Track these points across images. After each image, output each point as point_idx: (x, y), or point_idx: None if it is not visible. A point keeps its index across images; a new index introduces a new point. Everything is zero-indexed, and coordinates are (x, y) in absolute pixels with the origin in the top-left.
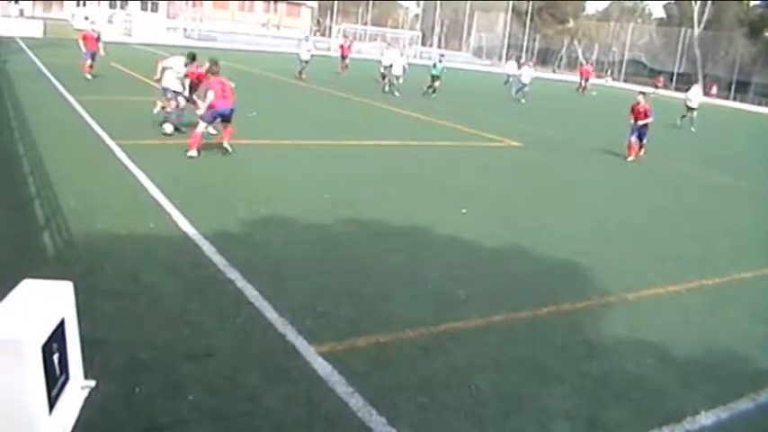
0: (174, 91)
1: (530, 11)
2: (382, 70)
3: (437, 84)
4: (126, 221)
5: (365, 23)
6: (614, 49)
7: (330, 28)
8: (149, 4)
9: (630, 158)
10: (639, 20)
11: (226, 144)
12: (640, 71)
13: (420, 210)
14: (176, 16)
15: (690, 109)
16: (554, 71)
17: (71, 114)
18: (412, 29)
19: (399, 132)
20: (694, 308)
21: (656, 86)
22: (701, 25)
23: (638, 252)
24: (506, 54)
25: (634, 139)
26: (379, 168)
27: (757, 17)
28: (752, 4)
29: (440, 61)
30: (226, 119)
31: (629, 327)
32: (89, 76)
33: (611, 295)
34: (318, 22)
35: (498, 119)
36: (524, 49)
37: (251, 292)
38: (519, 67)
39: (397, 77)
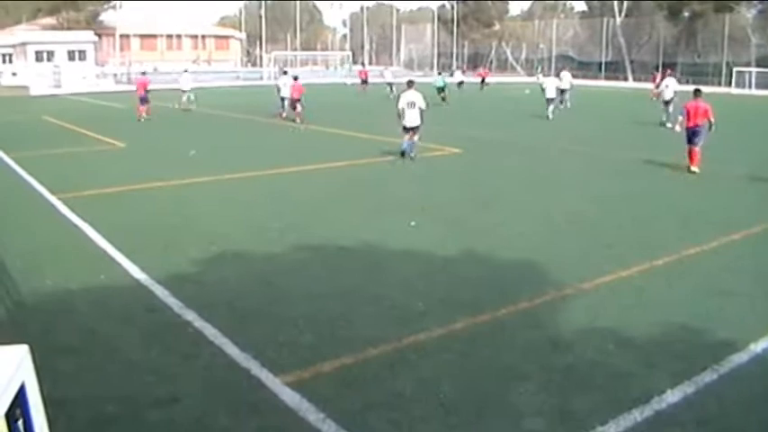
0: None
1: (455, 18)
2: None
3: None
4: (76, 275)
5: (295, 49)
6: (542, 46)
7: (261, 57)
8: (76, 53)
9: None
10: (563, 15)
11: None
12: (569, 65)
13: (370, 227)
14: (105, 63)
15: None
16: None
17: (7, 172)
18: (342, 49)
19: (341, 153)
20: (648, 289)
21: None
22: (623, 13)
23: (587, 242)
24: (438, 63)
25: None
26: (324, 191)
27: None
28: None
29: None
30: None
31: (588, 316)
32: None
33: (566, 287)
34: (248, 52)
35: (436, 127)
36: (454, 55)
37: (210, 331)
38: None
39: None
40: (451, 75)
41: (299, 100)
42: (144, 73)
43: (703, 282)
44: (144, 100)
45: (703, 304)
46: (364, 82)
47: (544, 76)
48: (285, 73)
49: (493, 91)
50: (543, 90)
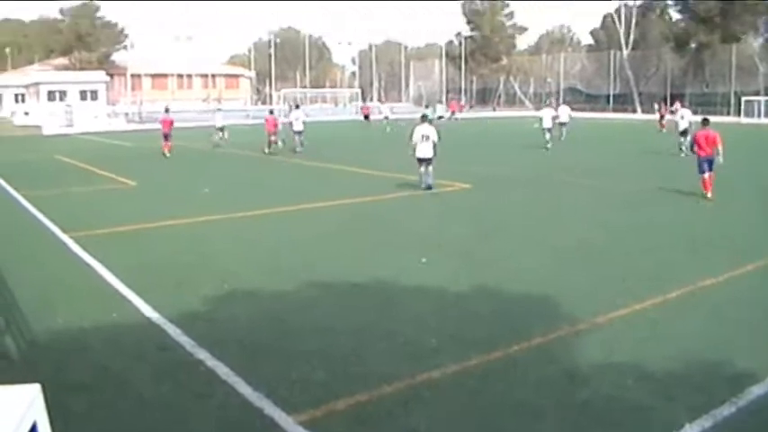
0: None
1: (463, 54)
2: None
3: None
4: (88, 313)
5: (304, 87)
6: (550, 80)
7: (270, 95)
8: (88, 93)
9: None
10: (570, 49)
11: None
12: (577, 98)
13: (381, 263)
14: (116, 102)
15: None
16: (494, 109)
17: (20, 211)
18: (350, 86)
19: (351, 189)
20: (663, 322)
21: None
22: (629, 46)
23: (600, 275)
24: (446, 98)
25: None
26: (335, 228)
27: (681, 30)
28: (674, 18)
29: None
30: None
31: (603, 351)
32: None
33: (579, 322)
34: (258, 90)
35: (445, 162)
36: (462, 91)
37: (222, 370)
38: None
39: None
40: (433, 109)
41: (275, 133)
42: (167, 111)
43: (718, 313)
44: (167, 137)
45: (719, 336)
46: (366, 117)
47: (545, 107)
48: (297, 107)
49: (499, 126)
50: (540, 121)
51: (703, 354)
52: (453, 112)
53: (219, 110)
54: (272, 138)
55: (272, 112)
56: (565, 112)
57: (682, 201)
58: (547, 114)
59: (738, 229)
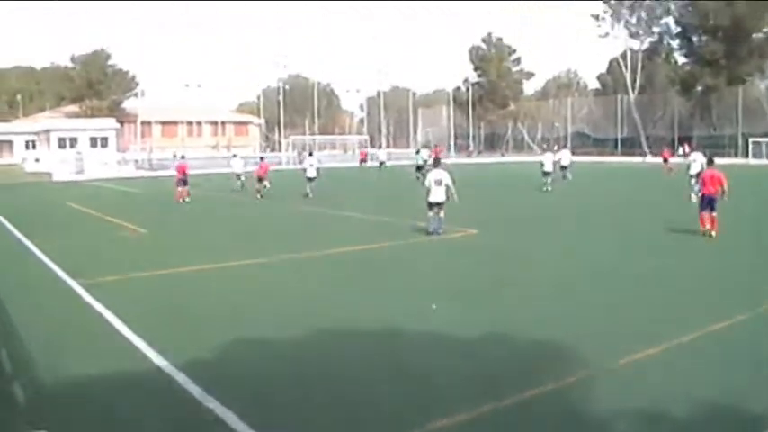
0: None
1: (471, 100)
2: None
3: None
4: (95, 360)
5: (313, 133)
6: (557, 124)
7: (279, 142)
8: (99, 140)
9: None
10: (576, 93)
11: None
12: (585, 142)
13: (391, 309)
14: (126, 149)
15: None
16: (502, 155)
17: (29, 257)
18: (359, 133)
19: (360, 236)
20: (677, 366)
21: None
22: (636, 90)
23: (611, 318)
24: (455, 144)
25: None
26: (346, 274)
27: (687, 74)
28: (680, 61)
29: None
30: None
31: (617, 395)
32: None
33: (593, 367)
34: (267, 137)
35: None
36: (471, 137)
37: (231, 419)
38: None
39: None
40: (417, 152)
41: (263, 177)
42: (183, 157)
43: (732, 357)
44: (183, 183)
45: (733, 379)
46: (363, 161)
47: (542, 152)
48: (311, 154)
49: (508, 170)
50: (542, 165)
51: (717, 397)
52: (437, 158)
53: (235, 156)
54: (265, 183)
55: (262, 158)
56: (566, 156)
57: (690, 243)
58: (548, 159)
59: (747, 271)
